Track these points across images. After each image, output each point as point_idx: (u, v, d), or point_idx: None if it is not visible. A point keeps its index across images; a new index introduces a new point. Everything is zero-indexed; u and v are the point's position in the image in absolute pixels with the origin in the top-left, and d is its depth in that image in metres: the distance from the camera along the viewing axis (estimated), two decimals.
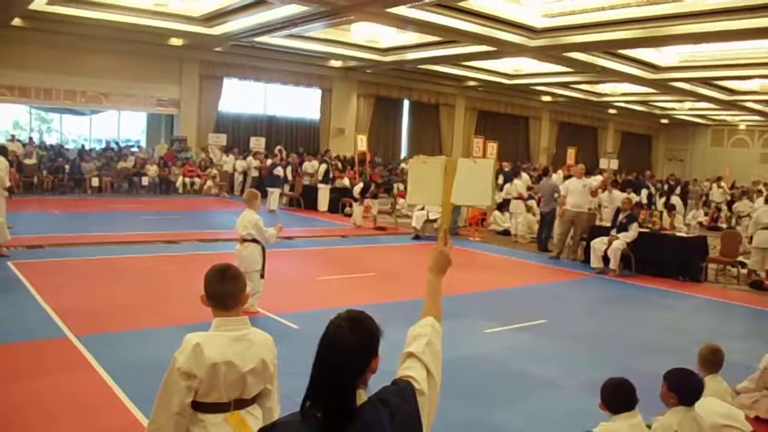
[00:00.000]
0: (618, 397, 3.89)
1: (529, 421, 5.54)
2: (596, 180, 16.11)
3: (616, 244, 12.41)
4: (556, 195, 14.65)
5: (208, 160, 24.71)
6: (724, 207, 24.38)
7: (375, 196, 17.85)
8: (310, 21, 18.39)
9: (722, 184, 26.35)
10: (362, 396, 1.96)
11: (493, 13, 17.40)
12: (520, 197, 17.06)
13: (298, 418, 1.94)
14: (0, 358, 6.13)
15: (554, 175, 18.20)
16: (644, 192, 20.41)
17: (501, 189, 18.24)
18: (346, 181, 21.48)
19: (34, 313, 7.59)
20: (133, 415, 5.00)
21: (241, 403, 2.89)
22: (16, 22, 19.88)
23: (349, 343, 1.94)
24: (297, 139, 29.01)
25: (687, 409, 3.93)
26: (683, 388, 3.96)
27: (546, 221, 15.21)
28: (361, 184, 18.14)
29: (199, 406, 2.82)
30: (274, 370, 3.00)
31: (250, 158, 23.84)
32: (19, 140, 22.39)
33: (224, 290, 2.90)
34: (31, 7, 17.80)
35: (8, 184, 12.32)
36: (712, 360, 4.86)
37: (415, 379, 2.16)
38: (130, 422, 4.89)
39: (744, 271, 12.82)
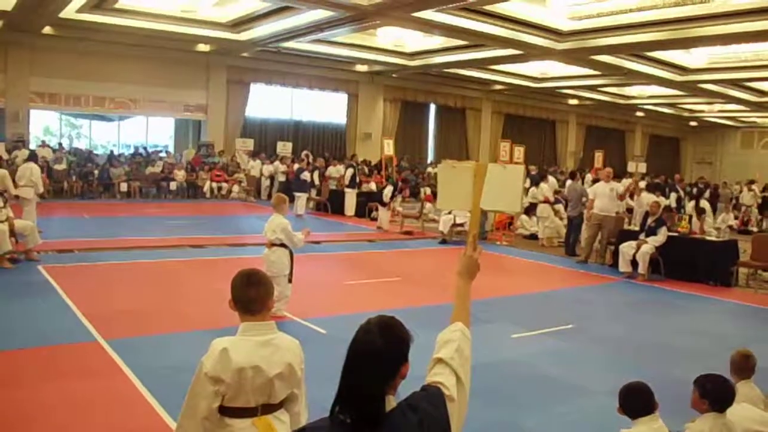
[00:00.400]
0: (634, 401, 3.84)
1: (556, 426, 5.50)
2: (624, 184, 15.96)
3: (644, 248, 12.28)
4: (584, 199, 14.54)
5: (235, 165, 24.86)
6: (754, 210, 24.06)
7: (400, 191, 17.85)
8: (336, 26, 18.45)
9: (753, 187, 26.00)
10: (391, 402, 1.95)
11: (519, 17, 17.32)
12: (546, 201, 16.97)
13: (326, 423, 1.93)
14: (31, 361, 6.20)
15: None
16: (673, 195, 20.19)
17: (527, 193, 18.14)
18: (372, 186, 21.49)
19: (63, 317, 7.67)
20: (161, 418, 5.04)
21: (268, 408, 2.90)
22: (47, 30, 20.20)
23: (379, 349, 1.93)
24: (323, 143, 29.12)
25: (718, 416, 3.86)
26: (715, 395, 3.89)
27: (573, 225, 15.09)
28: (390, 188, 18.11)
29: (226, 411, 2.83)
30: (301, 375, 3.01)
31: (277, 163, 23.92)
32: (49, 146, 22.77)
33: (250, 295, 2.92)
34: (61, 15, 18.08)
35: (41, 189, 12.53)
36: (744, 365, 4.78)
37: (445, 385, 2.15)
38: (159, 426, 4.93)
39: None
